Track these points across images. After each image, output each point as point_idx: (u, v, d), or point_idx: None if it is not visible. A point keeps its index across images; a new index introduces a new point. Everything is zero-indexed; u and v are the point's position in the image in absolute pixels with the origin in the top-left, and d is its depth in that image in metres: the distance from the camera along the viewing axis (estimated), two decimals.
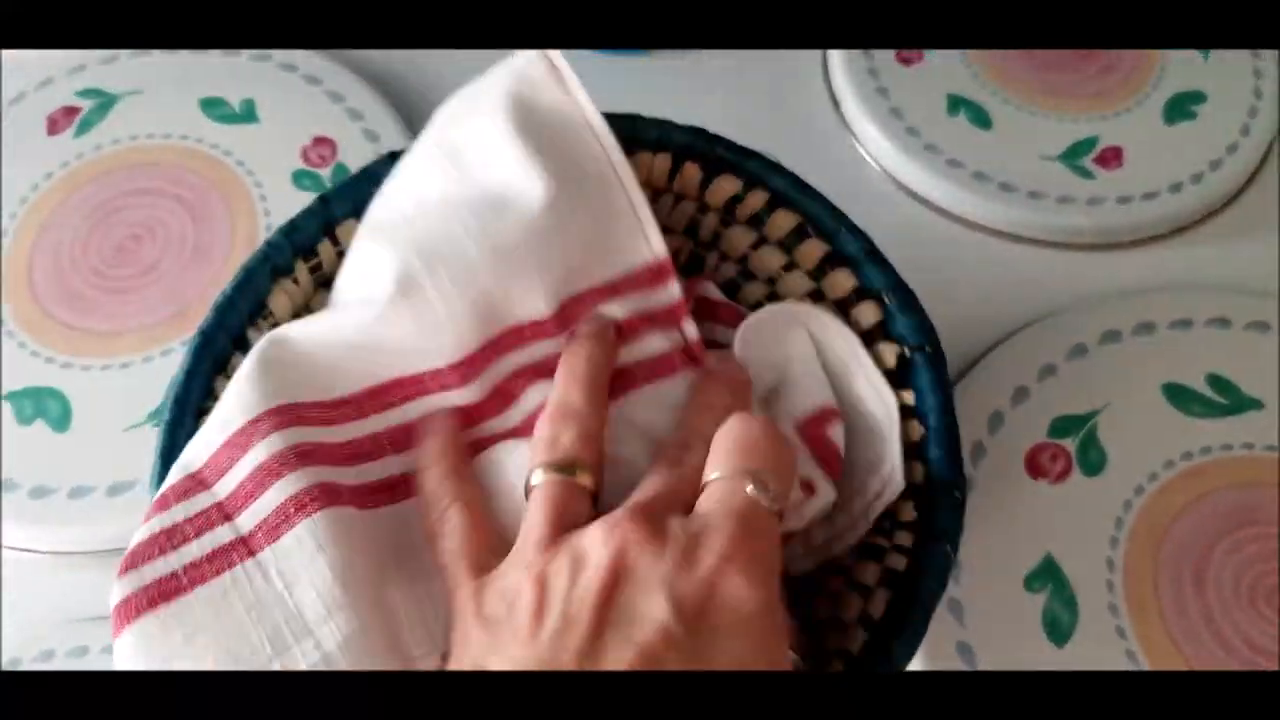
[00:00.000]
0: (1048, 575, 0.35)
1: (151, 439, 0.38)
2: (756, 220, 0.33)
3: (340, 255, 0.32)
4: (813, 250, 0.32)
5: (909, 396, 0.30)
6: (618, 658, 0.22)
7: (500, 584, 0.24)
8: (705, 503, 0.25)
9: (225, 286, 0.31)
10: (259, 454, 0.26)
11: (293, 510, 0.25)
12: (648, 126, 0.33)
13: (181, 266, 0.43)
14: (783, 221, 0.33)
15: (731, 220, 0.34)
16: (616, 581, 0.23)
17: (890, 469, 0.29)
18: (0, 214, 0.44)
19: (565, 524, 0.25)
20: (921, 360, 0.30)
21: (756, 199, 0.33)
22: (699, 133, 0.33)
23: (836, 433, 0.29)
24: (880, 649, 0.28)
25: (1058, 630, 0.34)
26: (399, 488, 0.28)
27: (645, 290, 0.30)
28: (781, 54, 0.47)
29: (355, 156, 0.45)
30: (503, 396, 0.28)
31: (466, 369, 0.28)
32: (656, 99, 0.46)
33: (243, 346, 0.31)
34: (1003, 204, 0.41)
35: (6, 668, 0.36)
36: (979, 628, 0.34)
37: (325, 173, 0.44)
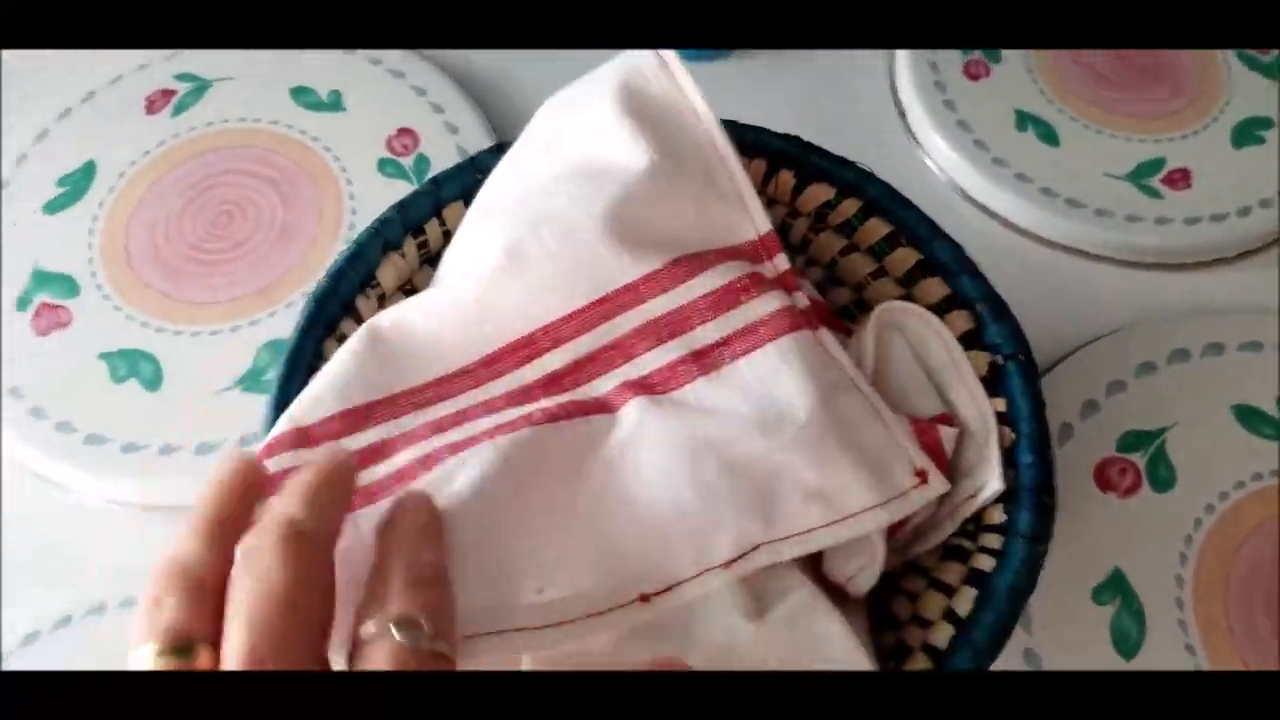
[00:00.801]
0: (1116, 588, 0.31)
1: (238, 403, 0.37)
2: (848, 227, 0.31)
3: (446, 235, 0.31)
4: (904, 258, 0.30)
5: (1000, 404, 0.27)
6: None
7: None
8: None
9: (338, 255, 0.30)
10: (372, 436, 0.25)
11: (394, 483, 0.24)
12: (745, 131, 0.31)
13: (270, 245, 0.40)
14: (875, 229, 0.30)
15: (823, 227, 0.31)
16: None
17: (987, 474, 0.26)
18: (96, 187, 0.42)
19: None
20: (1014, 368, 0.28)
21: (849, 206, 0.31)
22: (794, 140, 0.31)
23: (948, 437, 0.27)
24: (967, 642, 0.25)
25: (1126, 643, 0.31)
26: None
27: (753, 262, 0.28)
28: (848, 64, 0.44)
29: (436, 147, 0.42)
30: (620, 351, 0.27)
31: (579, 322, 0.26)
32: (725, 107, 0.43)
33: (352, 312, 0.30)
34: (1070, 220, 0.38)
35: (92, 613, 0.34)
36: (1047, 636, 0.31)
37: (408, 161, 0.42)
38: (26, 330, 0.39)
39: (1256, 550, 0.32)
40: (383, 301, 0.31)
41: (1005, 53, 0.43)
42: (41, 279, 0.40)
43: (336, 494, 0.21)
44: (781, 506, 0.25)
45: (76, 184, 0.43)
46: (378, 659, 0.19)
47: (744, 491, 0.25)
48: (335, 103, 0.44)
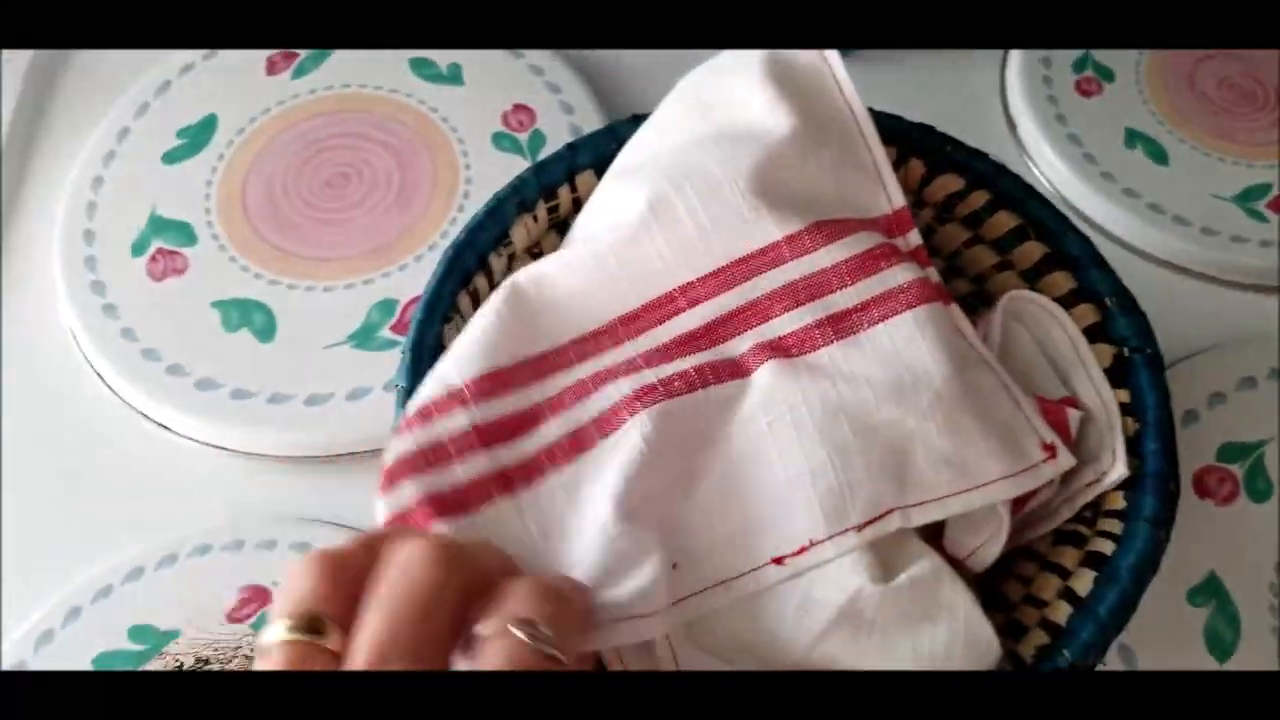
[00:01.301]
0: (1211, 592, 0.33)
1: (349, 359, 0.39)
2: (975, 219, 0.32)
3: (576, 204, 0.32)
4: (1031, 251, 0.31)
5: (1124, 395, 0.29)
6: None
7: None
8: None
9: (477, 210, 0.31)
10: (521, 400, 0.26)
11: (545, 462, 0.25)
12: (880, 117, 0.32)
13: (385, 207, 0.42)
14: (1002, 222, 0.31)
15: (949, 217, 0.33)
16: None
17: (1111, 459, 0.27)
18: (216, 140, 0.44)
19: None
20: (1141, 361, 0.29)
21: (978, 198, 0.32)
22: (927, 129, 0.32)
23: (1074, 418, 0.28)
24: (1091, 616, 0.26)
25: (1219, 646, 0.32)
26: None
27: (888, 235, 0.29)
28: (960, 75, 0.46)
29: (551, 125, 0.44)
30: (757, 312, 0.28)
31: (718, 281, 0.27)
32: None
33: (484, 267, 0.31)
34: (1176, 237, 0.40)
35: (196, 554, 0.35)
36: (1141, 635, 0.32)
37: (523, 137, 0.44)
38: (142, 275, 0.41)
39: None
40: (512, 261, 0.32)
41: (1117, 72, 0.45)
42: (159, 225, 0.42)
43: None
44: (914, 471, 0.26)
45: (196, 136, 0.45)
46: (492, 655, 0.19)
47: (877, 455, 0.26)
48: (455, 76, 0.46)
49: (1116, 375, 0.29)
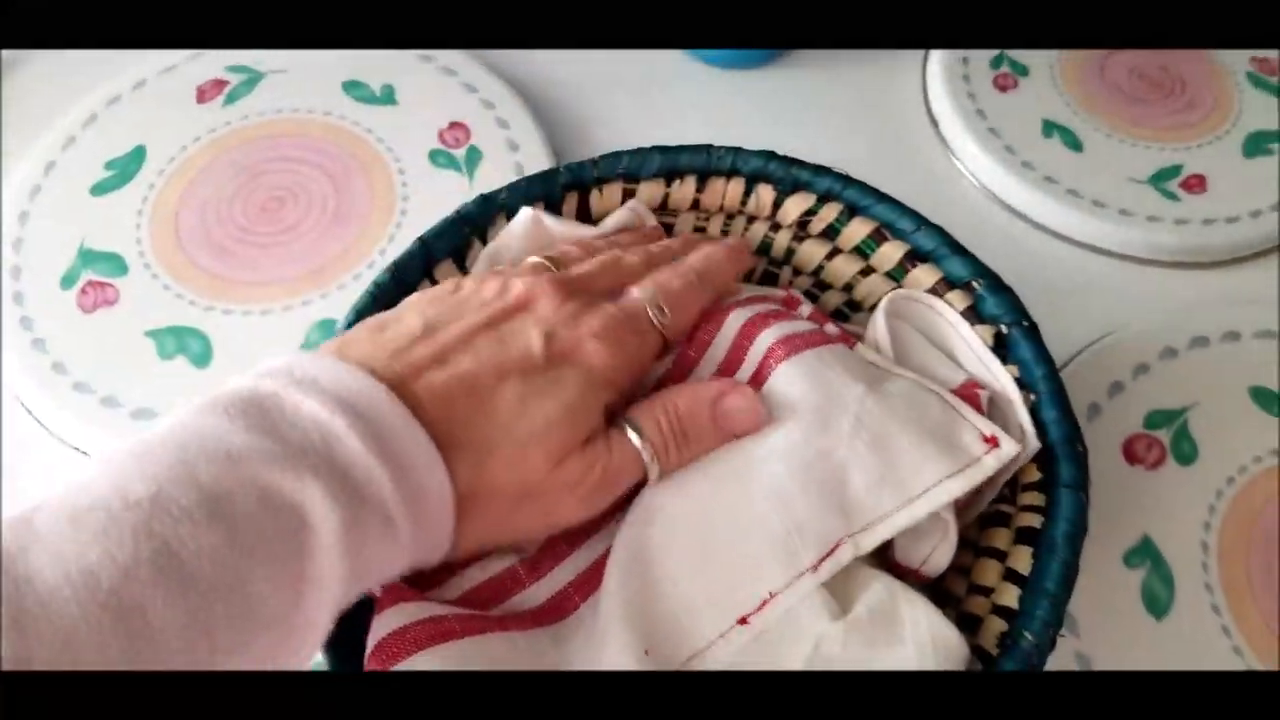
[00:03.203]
0: (1145, 553, 0.36)
1: None
2: (831, 232, 0.35)
3: None
4: (890, 253, 0.34)
5: (1013, 370, 0.31)
6: (480, 354, 0.27)
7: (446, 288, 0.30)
8: (611, 303, 0.30)
9: (338, 328, 0.31)
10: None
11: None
12: (722, 154, 0.36)
13: (322, 228, 0.45)
14: (857, 230, 0.35)
15: (806, 235, 0.36)
16: (515, 310, 0.28)
17: (1018, 434, 0.29)
18: (147, 169, 0.46)
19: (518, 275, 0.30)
20: (1020, 334, 0.31)
21: (829, 212, 0.35)
22: (771, 156, 0.36)
23: (984, 399, 0.30)
24: (1042, 592, 0.28)
25: (1156, 605, 0.35)
26: None
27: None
28: (881, 75, 0.50)
29: (488, 141, 0.47)
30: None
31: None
32: (765, 118, 0.48)
33: None
34: (1095, 219, 0.44)
35: None
36: (1081, 600, 0.35)
37: (459, 153, 0.47)
38: (72, 307, 0.43)
39: (1274, 518, 0.36)
40: None
41: (1032, 66, 0.49)
42: (88, 257, 0.44)
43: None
44: (854, 498, 0.27)
45: (125, 167, 0.47)
46: (625, 305, 0.30)
47: (815, 491, 0.27)
48: (388, 96, 0.49)
49: (1000, 353, 0.31)
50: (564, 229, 0.34)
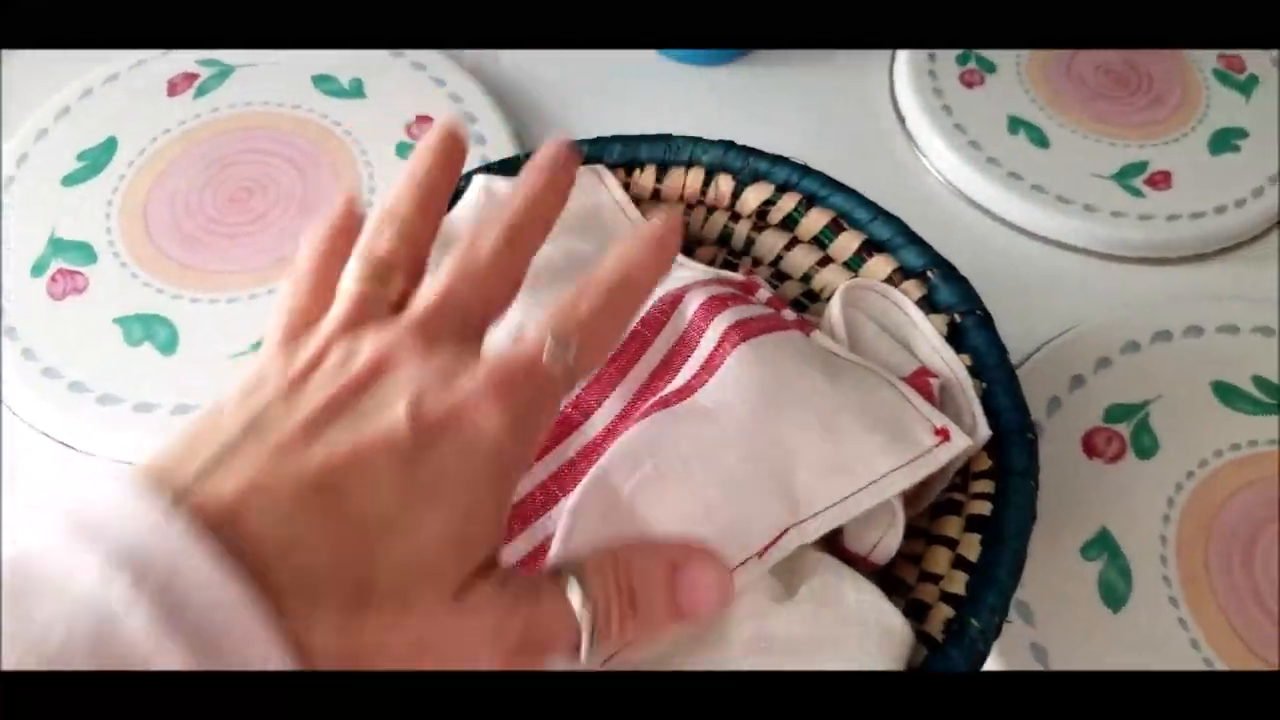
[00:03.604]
0: (1103, 546, 0.36)
1: None
2: (789, 222, 0.36)
3: None
4: (848, 242, 0.35)
5: (966, 359, 0.31)
6: (330, 443, 0.20)
7: (286, 358, 0.23)
8: (497, 353, 0.23)
9: None
10: None
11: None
12: (680, 145, 0.36)
13: (289, 219, 0.45)
14: (815, 220, 0.35)
15: (765, 225, 0.36)
16: (373, 375, 0.21)
17: (972, 421, 0.30)
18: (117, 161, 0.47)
19: (358, 323, 0.23)
20: (973, 323, 0.32)
21: (788, 202, 0.36)
22: (730, 146, 0.36)
23: (935, 387, 0.31)
24: (991, 582, 0.28)
25: (1113, 596, 0.35)
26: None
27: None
28: (849, 72, 0.51)
29: None
30: (617, 368, 0.31)
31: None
32: (731, 114, 0.49)
33: None
34: (1059, 215, 0.44)
35: None
36: (1037, 592, 0.35)
37: None
38: (41, 295, 0.43)
39: (1234, 512, 0.36)
40: None
41: (999, 63, 0.50)
42: (59, 246, 0.45)
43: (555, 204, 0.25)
44: (803, 485, 0.27)
45: (96, 159, 0.48)
46: (516, 348, 0.22)
47: (764, 477, 0.27)
48: (356, 90, 0.49)
49: (955, 342, 0.32)
50: None
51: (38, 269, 0.44)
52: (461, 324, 0.23)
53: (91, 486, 0.19)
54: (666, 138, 0.36)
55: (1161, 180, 0.45)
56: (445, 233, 0.34)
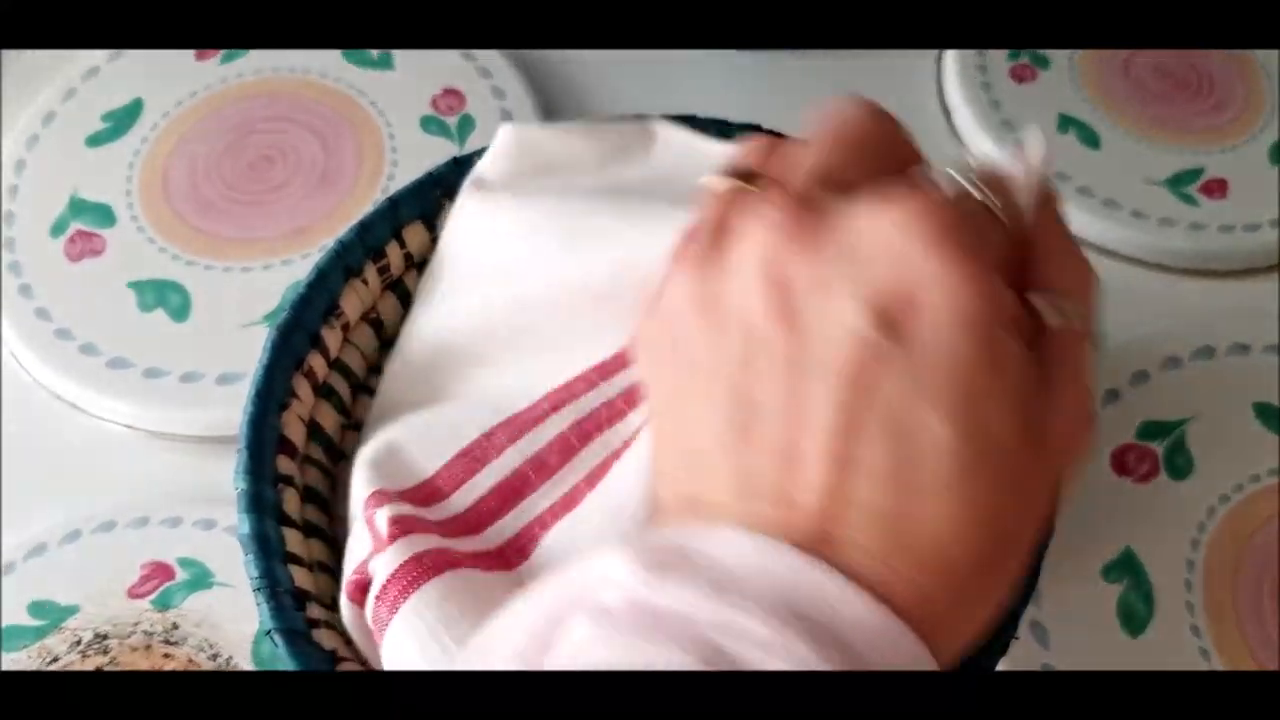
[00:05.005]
0: (1126, 568, 0.36)
1: (263, 338, 0.41)
2: None
3: (408, 258, 0.34)
4: None
5: None
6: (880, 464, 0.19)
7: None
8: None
9: (300, 283, 0.32)
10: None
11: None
12: (705, 126, 0.35)
13: (309, 189, 0.46)
14: None
15: None
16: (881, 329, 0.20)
17: None
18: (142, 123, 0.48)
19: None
20: None
21: None
22: (756, 129, 0.35)
23: None
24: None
25: (1133, 621, 0.35)
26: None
27: None
28: (895, 65, 0.50)
29: (481, 108, 0.48)
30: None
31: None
32: (771, 104, 0.49)
33: (318, 344, 0.32)
34: (1105, 220, 0.44)
35: (102, 530, 0.38)
36: (1054, 610, 0.35)
37: (452, 121, 0.48)
38: (59, 256, 0.45)
39: (1268, 540, 0.36)
40: (347, 331, 0.33)
41: (1052, 59, 0.49)
42: (79, 207, 0.46)
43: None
44: None
45: (121, 120, 0.49)
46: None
47: None
48: (385, 61, 0.50)
49: None
50: (559, 140, 0.33)
51: (57, 229, 0.46)
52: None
53: (707, 565, 0.18)
54: (691, 118, 0.35)
55: (1217, 189, 0.45)
56: (477, 179, 0.33)
